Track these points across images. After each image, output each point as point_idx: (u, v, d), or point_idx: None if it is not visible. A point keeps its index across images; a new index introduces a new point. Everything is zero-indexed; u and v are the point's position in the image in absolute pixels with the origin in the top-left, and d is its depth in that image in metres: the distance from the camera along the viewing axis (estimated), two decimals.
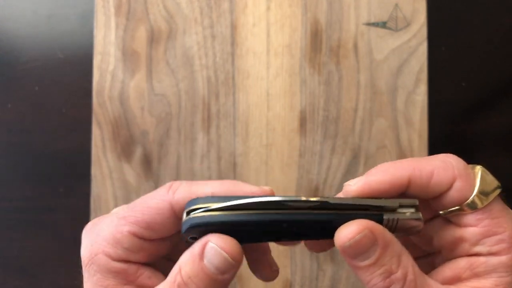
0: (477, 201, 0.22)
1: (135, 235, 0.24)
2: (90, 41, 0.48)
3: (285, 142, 0.47)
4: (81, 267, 0.25)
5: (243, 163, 0.47)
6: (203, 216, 0.22)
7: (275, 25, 0.48)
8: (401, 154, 0.47)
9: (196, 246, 0.22)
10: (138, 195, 0.47)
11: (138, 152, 0.48)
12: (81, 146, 0.49)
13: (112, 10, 0.48)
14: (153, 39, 0.48)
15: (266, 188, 0.24)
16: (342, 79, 0.47)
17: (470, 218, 0.22)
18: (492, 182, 0.22)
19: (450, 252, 0.23)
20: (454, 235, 0.23)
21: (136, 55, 0.48)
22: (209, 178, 0.47)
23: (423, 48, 0.47)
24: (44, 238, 0.50)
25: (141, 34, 0.48)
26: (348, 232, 0.21)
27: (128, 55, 0.48)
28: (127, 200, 0.47)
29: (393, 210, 0.22)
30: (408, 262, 0.21)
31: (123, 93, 0.48)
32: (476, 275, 0.21)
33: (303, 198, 0.22)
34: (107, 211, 0.47)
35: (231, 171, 0.47)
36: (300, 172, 0.47)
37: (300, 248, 0.47)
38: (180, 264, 0.23)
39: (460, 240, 0.22)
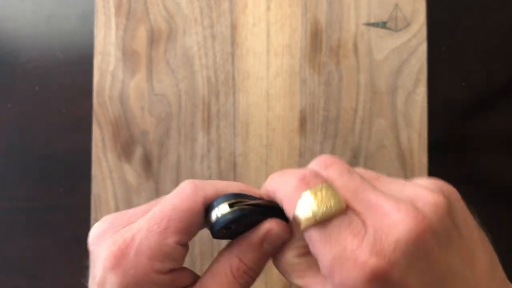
0: (297, 226, 0.22)
1: (179, 243, 0.24)
2: (90, 41, 0.48)
3: (285, 142, 0.47)
4: (83, 266, 0.25)
5: (243, 163, 0.47)
6: (254, 208, 0.25)
7: (275, 25, 0.48)
8: (401, 154, 0.47)
9: (256, 235, 0.25)
10: (138, 195, 0.47)
11: (138, 152, 0.48)
12: (81, 146, 0.49)
13: (112, 10, 0.48)
14: (153, 39, 0.48)
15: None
16: (342, 79, 0.47)
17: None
18: (313, 209, 0.21)
19: None
20: None
21: (136, 55, 0.48)
22: (209, 178, 0.47)
23: (423, 48, 0.47)
24: (44, 238, 0.50)
25: (141, 34, 0.48)
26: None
27: (128, 55, 0.48)
28: (128, 200, 0.47)
29: None
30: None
31: (123, 93, 0.48)
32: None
33: None
34: (108, 211, 0.47)
35: (231, 171, 0.47)
36: None
37: None
38: (238, 255, 0.25)
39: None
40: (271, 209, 0.25)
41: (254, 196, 0.25)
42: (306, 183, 0.22)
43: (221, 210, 0.24)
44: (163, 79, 0.48)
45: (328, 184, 0.22)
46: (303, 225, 0.22)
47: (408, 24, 0.47)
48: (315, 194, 0.21)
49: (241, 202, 0.24)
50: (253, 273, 0.25)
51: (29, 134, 0.51)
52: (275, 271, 0.47)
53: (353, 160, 0.47)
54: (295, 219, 0.22)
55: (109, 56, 0.48)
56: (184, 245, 0.25)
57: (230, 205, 0.24)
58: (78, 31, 0.51)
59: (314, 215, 0.21)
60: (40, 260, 0.48)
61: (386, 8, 0.47)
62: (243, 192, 0.26)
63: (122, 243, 0.23)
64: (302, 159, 0.47)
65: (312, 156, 0.47)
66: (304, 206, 0.21)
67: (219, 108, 0.48)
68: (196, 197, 0.24)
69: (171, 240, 0.23)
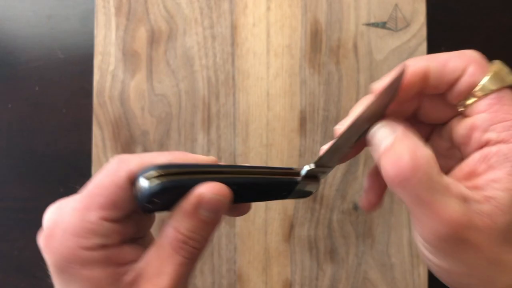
0: (489, 84, 0.22)
1: (105, 219, 0.23)
2: (91, 41, 0.48)
3: (285, 142, 0.47)
4: None
5: (243, 163, 0.47)
6: (178, 179, 0.23)
7: (275, 26, 0.48)
8: None
9: (187, 203, 0.23)
10: None
11: (138, 152, 0.48)
12: (82, 146, 0.49)
13: (113, 10, 0.48)
14: (153, 39, 0.48)
15: (212, 157, 0.26)
16: (342, 79, 0.47)
17: (481, 103, 0.22)
18: (508, 73, 0.22)
19: (466, 147, 0.23)
20: (467, 125, 0.23)
21: (136, 56, 0.48)
22: None
23: (423, 48, 0.47)
24: None
25: (142, 34, 0.48)
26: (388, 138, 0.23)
27: (128, 56, 0.48)
28: None
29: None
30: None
31: (123, 93, 0.48)
32: (490, 167, 0.21)
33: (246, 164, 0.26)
34: None
35: None
36: None
37: (300, 248, 0.47)
38: (173, 224, 0.24)
39: (472, 128, 0.22)
40: (204, 174, 0.23)
41: (185, 164, 0.24)
42: (484, 62, 0.23)
43: (141, 184, 0.23)
44: (163, 79, 0.48)
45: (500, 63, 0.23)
46: (506, 82, 0.22)
47: (407, 24, 0.47)
48: (501, 63, 0.23)
49: (167, 173, 0.23)
50: (195, 243, 0.24)
51: (29, 134, 0.51)
52: (275, 270, 0.47)
53: (353, 160, 0.47)
54: (494, 78, 0.22)
55: (109, 56, 0.48)
56: (114, 221, 0.23)
57: (154, 178, 0.23)
58: (79, 31, 0.51)
59: (504, 81, 0.22)
60: (40, 260, 0.48)
61: (386, 8, 0.47)
62: (175, 161, 0.24)
63: (51, 223, 0.24)
64: (302, 159, 0.47)
65: (312, 156, 0.47)
66: (501, 69, 0.22)
67: (219, 108, 0.48)
68: (119, 171, 0.23)
69: (94, 216, 0.23)
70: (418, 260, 0.46)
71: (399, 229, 0.46)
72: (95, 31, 0.48)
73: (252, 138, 0.48)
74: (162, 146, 0.48)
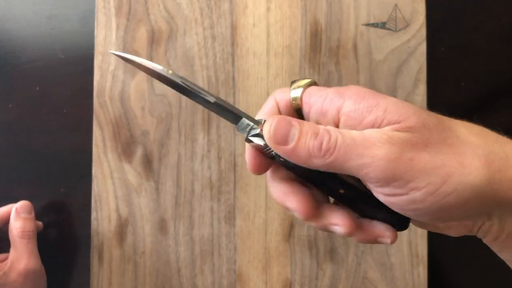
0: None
1: None
2: (91, 41, 0.49)
3: None
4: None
5: (243, 163, 0.48)
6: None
7: (275, 26, 0.48)
8: None
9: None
10: (138, 195, 0.47)
11: (138, 152, 0.48)
12: (82, 146, 0.49)
13: (113, 10, 0.48)
14: (153, 39, 0.48)
15: None
16: (341, 79, 0.48)
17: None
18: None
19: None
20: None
21: (136, 56, 0.48)
22: (209, 177, 0.48)
23: (422, 48, 0.47)
24: (44, 238, 0.50)
25: (142, 34, 0.48)
26: (266, 125, 0.24)
27: None
28: (128, 199, 0.47)
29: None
30: (325, 126, 0.25)
31: (123, 93, 0.48)
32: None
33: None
34: (108, 210, 0.47)
35: (231, 171, 0.48)
36: None
37: (300, 248, 0.47)
38: None
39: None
40: None
41: None
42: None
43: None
44: None
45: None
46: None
47: (407, 25, 0.47)
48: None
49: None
50: None
51: (29, 134, 0.51)
52: (275, 270, 0.47)
53: None
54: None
55: (110, 57, 0.48)
56: None
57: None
58: (79, 31, 0.51)
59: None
60: (40, 260, 0.48)
61: (385, 8, 0.48)
62: None
63: None
64: None
65: None
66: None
67: None
68: None
69: None
70: (418, 260, 0.46)
71: None
72: (96, 31, 0.48)
73: None
74: (162, 146, 0.48)
